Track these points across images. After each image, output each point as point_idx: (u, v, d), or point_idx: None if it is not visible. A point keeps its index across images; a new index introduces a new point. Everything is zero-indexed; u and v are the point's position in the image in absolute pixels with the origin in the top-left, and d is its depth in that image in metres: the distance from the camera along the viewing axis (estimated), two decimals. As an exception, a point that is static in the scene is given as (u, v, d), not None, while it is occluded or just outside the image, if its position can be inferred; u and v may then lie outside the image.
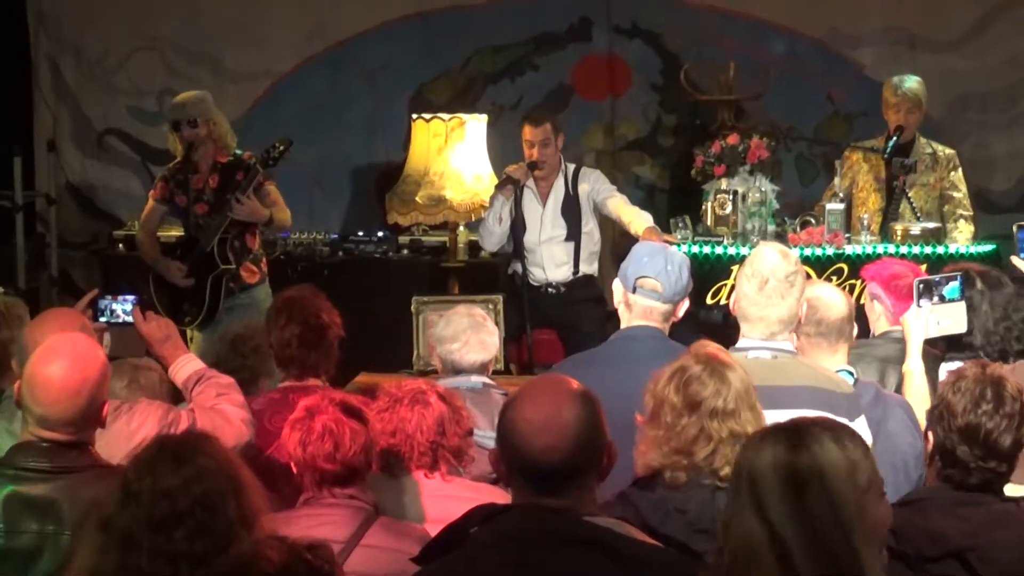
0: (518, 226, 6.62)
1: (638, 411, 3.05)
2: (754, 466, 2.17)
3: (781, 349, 3.61)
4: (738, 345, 3.64)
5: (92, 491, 3.02)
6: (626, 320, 3.86)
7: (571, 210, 6.70)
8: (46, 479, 3.05)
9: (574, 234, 6.68)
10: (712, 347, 3.11)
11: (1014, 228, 5.07)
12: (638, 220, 6.47)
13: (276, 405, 4.09)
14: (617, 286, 3.89)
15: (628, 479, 3.01)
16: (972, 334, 4.21)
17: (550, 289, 6.68)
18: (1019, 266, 4.87)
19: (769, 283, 3.61)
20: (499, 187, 6.64)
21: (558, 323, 6.60)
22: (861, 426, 3.53)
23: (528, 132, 6.65)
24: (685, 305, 3.89)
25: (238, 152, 6.36)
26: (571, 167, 6.78)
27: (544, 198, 6.72)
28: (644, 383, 3.09)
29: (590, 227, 6.71)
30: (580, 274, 6.71)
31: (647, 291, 3.80)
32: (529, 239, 6.67)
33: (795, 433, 2.20)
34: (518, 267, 6.72)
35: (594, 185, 6.71)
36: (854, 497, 2.13)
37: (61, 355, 3.10)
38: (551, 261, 6.69)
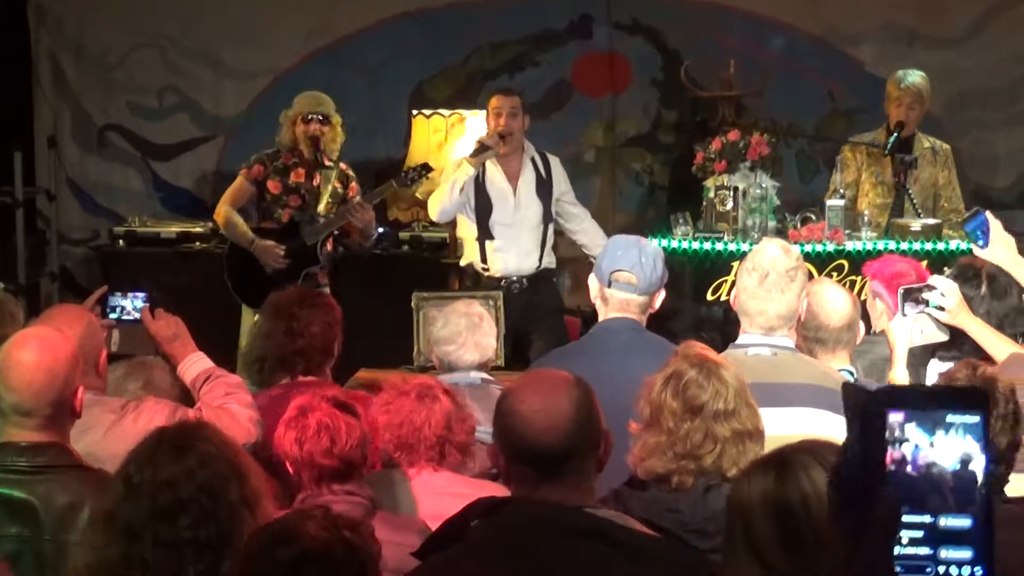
0: (482, 207, 6.36)
1: (629, 413, 3.03)
2: (744, 503, 2.11)
3: (781, 346, 3.60)
4: (738, 341, 3.64)
5: (69, 496, 3.02)
6: (603, 314, 3.87)
7: (545, 194, 6.47)
8: (25, 480, 3.03)
9: (547, 217, 6.44)
10: (699, 347, 3.10)
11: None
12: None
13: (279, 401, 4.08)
14: (593, 281, 3.90)
15: (618, 475, 3.01)
16: (963, 342, 4.13)
17: (513, 285, 6.35)
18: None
19: (769, 277, 3.60)
20: (474, 155, 6.31)
21: (514, 329, 6.14)
22: None
23: (497, 100, 6.40)
24: (661, 296, 3.89)
25: (336, 160, 6.55)
26: (535, 150, 6.54)
27: (515, 178, 6.42)
28: (626, 374, 3.09)
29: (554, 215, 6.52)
30: (543, 267, 6.46)
31: (622, 284, 3.80)
32: (499, 219, 6.35)
33: (782, 464, 2.13)
34: (475, 258, 6.41)
35: (563, 190, 6.54)
36: None
37: (31, 340, 3.11)
38: (519, 248, 6.38)
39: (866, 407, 1.37)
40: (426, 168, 6.56)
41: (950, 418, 1.36)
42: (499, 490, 3.25)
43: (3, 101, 8.10)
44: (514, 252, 6.38)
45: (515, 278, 6.37)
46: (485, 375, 4.46)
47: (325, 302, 4.49)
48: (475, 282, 6.42)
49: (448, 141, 6.99)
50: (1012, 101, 8.28)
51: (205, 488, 2.47)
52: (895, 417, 1.36)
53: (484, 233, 6.37)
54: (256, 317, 6.40)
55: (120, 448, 3.50)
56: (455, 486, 3.48)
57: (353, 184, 6.61)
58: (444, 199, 6.32)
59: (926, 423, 1.36)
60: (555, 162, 6.60)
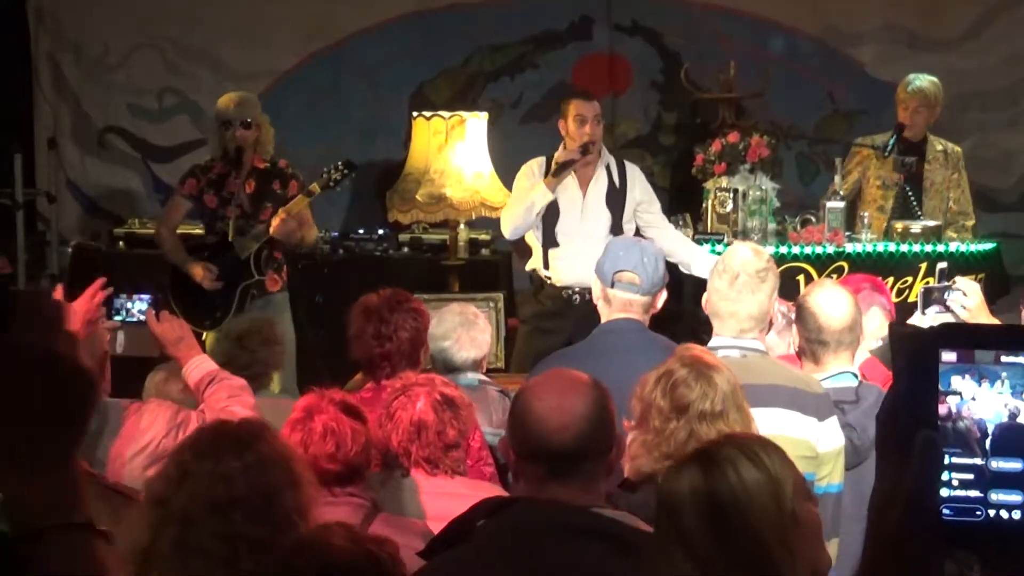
0: (550, 213, 5.99)
1: (625, 413, 3.04)
2: (672, 497, 2.10)
3: (751, 348, 3.62)
4: (709, 344, 3.64)
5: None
6: (606, 315, 3.89)
7: (616, 204, 6.05)
8: None
9: (616, 229, 5.97)
10: (697, 349, 3.11)
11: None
12: (699, 257, 6.06)
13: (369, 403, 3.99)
14: (595, 282, 3.93)
15: (613, 477, 3.00)
16: None
17: (574, 296, 6.00)
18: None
19: (740, 278, 3.62)
20: (555, 174, 5.91)
21: (569, 342, 5.41)
22: (832, 427, 3.53)
23: (580, 106, 5.98)
24: (663, 296, 3.92)
25: (274, 159, 6.27)
26: (611, 157, 6.17)
27: (585, 185, 6.04)
28: (631, 375, 3.09)
29: (630, 228, 6.07)
30: None
31: (625, 284, 3.83)
32: (565, 227, 5.99)
33: (708, 458, 2.12)
34: (539, 264, 6.08)
35: (641, 201, 6.10)
36: (777, 513, 2.06)
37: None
38: (584, 259, 5.74)
39: (919, 346, 1.35)
40: (349, 166, 6.11)
41: (1004, 358, 1.35)
42: (499, 491, 3.25)
43: (3, 102, 8.10)
44: (578, 262, 5.71)
45: (577, 289, 5.91)
46: (482, 376, 4.45)
47: (415, 307, 4.34)
48: (538, 288, 6.12)
49: (448, 143, 6.97)
50: (1012, 102, 8.29)
51: (259, 489, 2.45)
52: (948, 356, 1.35)
53: (548, 240, 6.02)
54: (204, 337, 6.31)
55: (121, 447, 3.51)
56: (455, 487, 3.47)
57: (293, 183, 6.15)
58: (518, 220, 5.98)
59: (974, 374, 1.35)
60: (633, 171, 6.18)
